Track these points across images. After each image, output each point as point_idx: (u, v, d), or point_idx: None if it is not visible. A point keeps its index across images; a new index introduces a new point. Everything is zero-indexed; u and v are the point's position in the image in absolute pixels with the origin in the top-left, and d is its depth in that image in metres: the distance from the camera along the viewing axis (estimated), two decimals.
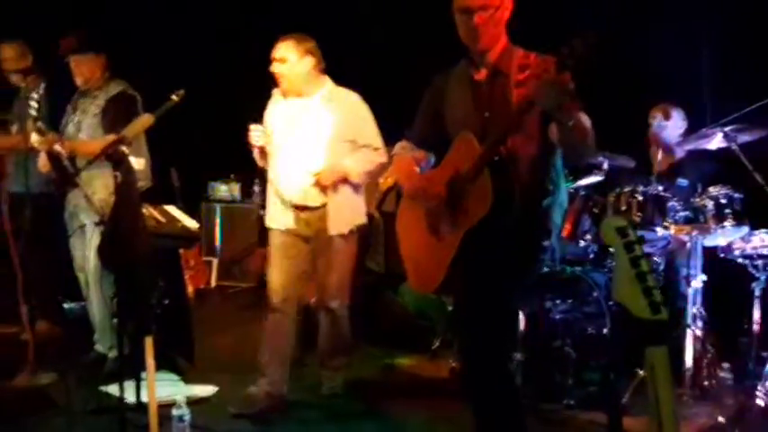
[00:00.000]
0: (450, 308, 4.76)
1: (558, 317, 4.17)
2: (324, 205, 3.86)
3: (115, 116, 4.26)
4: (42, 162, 4.21)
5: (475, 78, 2.83)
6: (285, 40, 3.84)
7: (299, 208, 3.89)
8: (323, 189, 3.83)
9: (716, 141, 4.10)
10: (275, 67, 3.84)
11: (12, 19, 5.47)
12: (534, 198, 2.74)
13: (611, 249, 4.30)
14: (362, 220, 4.04)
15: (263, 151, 3.93)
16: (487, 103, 2.76)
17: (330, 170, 3.81)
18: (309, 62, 3.84)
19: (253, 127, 3.86)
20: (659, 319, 1.70)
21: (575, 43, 2.38)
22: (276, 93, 3.97)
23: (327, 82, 3.94)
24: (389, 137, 3.86)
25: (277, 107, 3.97)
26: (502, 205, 2.61)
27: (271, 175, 3.97)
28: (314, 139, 3.85)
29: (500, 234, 2.66)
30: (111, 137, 4.11)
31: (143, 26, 6.50)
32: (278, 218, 3.95)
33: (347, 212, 3.92)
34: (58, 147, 4.00)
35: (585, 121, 2.62)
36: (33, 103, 4.03)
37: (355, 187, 3.94)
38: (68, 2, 5.97)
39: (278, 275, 3.94)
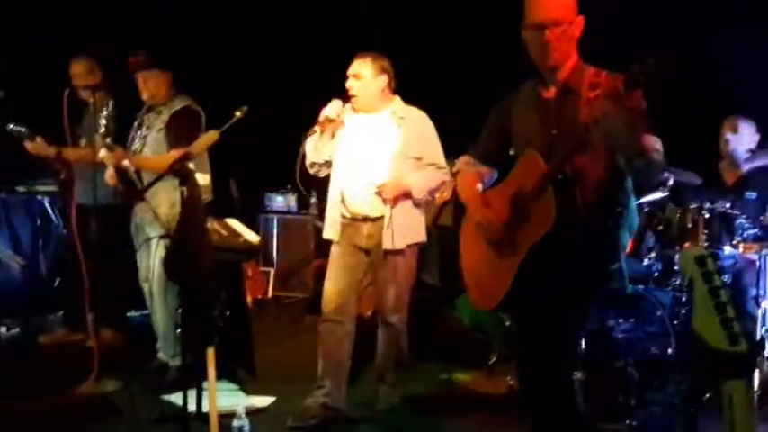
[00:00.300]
0: (507, 323, 4.72)
1: (620, 336, 4.08)
2: (383, 217, 3.86)
3: (179, 130, 4.35)
4: (110, 174, 4.30)
5: (543, 96, 2.79)
6: (361, 57, 3.89)
7: (361, 219, 3.91)
8: (384, 201, 3.84)
9: None
10: (350, 84, 3.88)
11: (83, 36, 5.62)
12: (601, 219, 2.69)
13: (675, 267, 4.23)
14: (422, 238, 4.02)
15: (323, 127, 3.88)
16: (555, 121, 2.71)
17: (394, 183, 3.82)
18: (384, 80, 3.88)
19: (333, 101, 3.88)
20: (739, 350, 1.65)
21: (647, 61, 2.33)
22: (345, 110, 3.96)
23: (397, 100, 3.97)
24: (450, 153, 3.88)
25: (347, 121, 3.97)
26: (565, 224, 2.57)
27: (334, 187, 3.97)
28: (381, 152, 3.88)
29: (565, 255, 2.61)
30: (175, 152, 4.21)
31: (203, 44, 6.61)
32: (335, 230, 3.96)
33: (406, 229, 3.91)
34: (126, 162, 4.09)
35: (655, 144, 2.55)
36: (102, 120, 4.15)
37: (417, 204, 3.94)
38: (134, 22, 6.10)
39: (332, 284, 3.95)
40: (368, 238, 3.92)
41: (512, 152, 2.95)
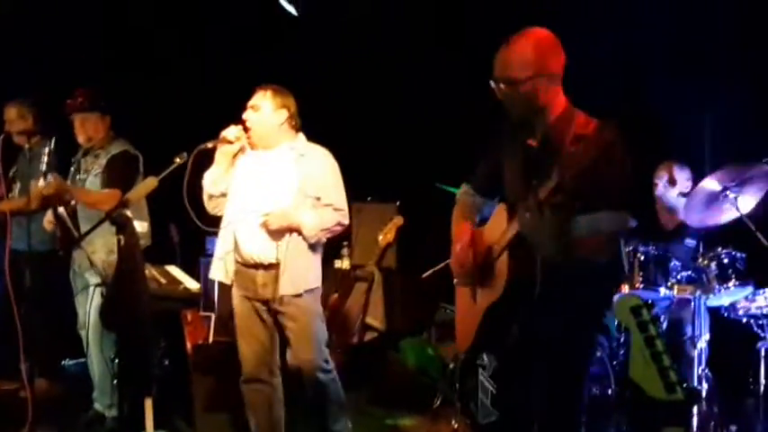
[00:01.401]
0: (451, 366, 4.72)
1: None
2: (278, 264, 3.62)
3: (116, 174, 4.31)
4: (48, 219, 4.22)
5: (528, 142, 2.69)
6: (262, 89, 3.70)
7: (253, 266, 3.67)
8: (273, 235, 3.59)
9: (727, 214, 4.04)
10: (246, 115, 3.68)
11: (19, 79, 5.52)
12: (569, 281, 2.54)
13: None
14: (316, 283, 3.74)
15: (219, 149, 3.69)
16: (537, 173, 2.53)
17: (281, 215, 3.58)
18: (282, 115, 3.67)
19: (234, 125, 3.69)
20: (675, 399, 1.67)
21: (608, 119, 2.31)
22: (244, 139, 3.73)
23: (299, 137, 3.76)
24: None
25: (242, 161, 3.77)
26: (523, 289, 2.55)
27: (225, 226, 3.74)
28: (276, 190, 3.65)
29: (526, 312, 2.61)
30: (111, 191, 4.17)
31: (143, 89, 6.55)
32: (222, 271, 3.76)
33: (300, 273, 3.64)
34: (61, 210, 4.01)
35: (608, 224, 2.46)
36: (44, 157, 4.08)
37: (312, 247, 3.68)
38: (73, 64, 6.02)
39: (245, 345, 3.75)
40: (263, 287, 3.67)
41: None
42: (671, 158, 4.58)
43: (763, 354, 3.99)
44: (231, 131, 3.69)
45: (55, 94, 4.63)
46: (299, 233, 3.62)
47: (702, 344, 3.98)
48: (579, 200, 2.38)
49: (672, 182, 4.49)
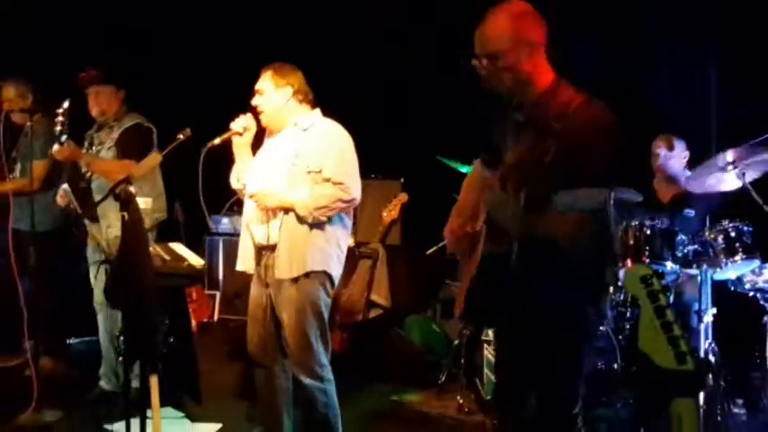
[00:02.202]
0: (456, 342, 4.73)
1: None
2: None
3: (129, 146, 4.32)
4: (60, 194, 4.24)
5: (518, 119, 2.65)
6: (264, 71, 3.59)
7: (261, 248, 3.57)
8: (266, 216, 3.49)
9: (729, 182, 4.02)
10: (255, 100, 3.60)
11: (23, 56, 5.50)
12: (552, 252, 2.49)
13: (618, 284, 4.29)
14: (323, 267, 3.47)
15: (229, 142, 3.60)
16: (519, 149, 2.56)
17: (267, 193, 3.45)
18: (287, 92, 3.54)
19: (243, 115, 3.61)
20: (686, 369, 1.66)
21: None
22: (253, 127, 3.65)
23: (311, 113, 3.61)
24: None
25: (260, 151, 3.72)
26: (497, 260, 2.55)
27: (244, 220, 3.70)
28: (271, 170, 3.54)
29: (517, 285, 2.54)
30: (124, 161, 4.16)
31: (150, 65, 6.53)
32: (243, 260, 3.68)
33: (297, 255, 3.43)
34: (65, 186, 4.01)
35: (582, 198, 2.39)
36: (59, 117, 4.07)
37: (315, 228, 3.46)
38: (82, 39, 6.00)
39: (251, 328, 3.64)
40: (265, 268, 3.55)
41: None
42: (667, 132, 4.56)
43: None
44: (239, 123, 3.59)
45: (60, 72, 4.60)
46: (296, 214, 3.45)
47: (709, 318, 3.97)
48: (558, 176, 2.35)
49: (671, 148, 4.47)
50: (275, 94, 3.56)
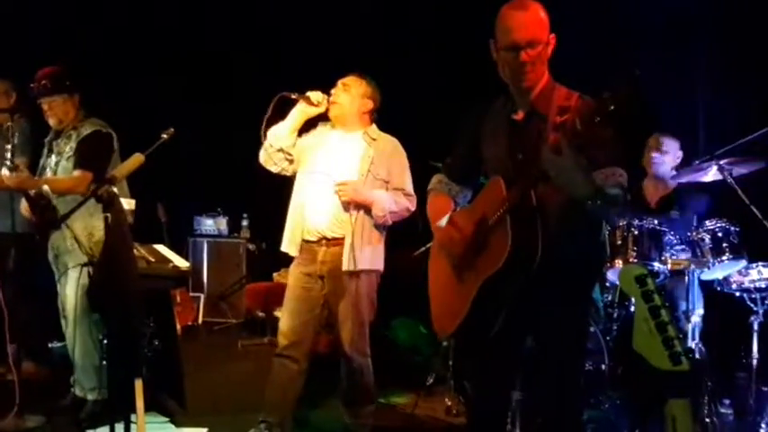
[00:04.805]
0: (444, 344, 4.71)
1: None
2: (343, 240, 3.73)
3: (87, 155, 4.19)
4: (24, 207, 4.15)
5: (513, 117, 2.69)
6: (360, 75, 3.87)
7: (318, 241, 3.77)
8: (344, 206, 3.71)
9: (711, 174, 4.07)
10: (337, 91, 3.82)
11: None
12: (567, 252, 2.55)
13: (606, 284, 4.28)
14: (380, 266, 3.86)
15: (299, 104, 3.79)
16: (521, 146, 2.60)
17: (354, 188, 3.70)
18: (369, 105, 3.85)
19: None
20: (681, 370, 1.64)
21: (619, 89, 2.19)
22: (322, 125, 3.92)
23: (373, 126, 3.92)
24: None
25: (318, 136, 3.90)
26: (522, 258, 2.48)
27: (295, 200, 3.85)
28: (348, 170, 3.77)
29: (527, 287, 2.55)
30: (80, 174, 4.08)
31: (131, 65, 6.48)
32: (292, 245, 3.83)
33: (366, 251, 3.75)
34: (46, 187, 3.93)
35: (618, 177, 2.48)
36: (10, 143, 3.98)
37: (378, 228, 3.81)
38: (47, 39, 5.93)
39: (287, 319, 3.81)
40: (322, 264, 3.77)
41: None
42: (660, 131, 4.55)
43: (755, 328, 4.00)
44: (316, 94, 3.79)
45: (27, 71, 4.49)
46: (368, 212, 3.73)
47: (696, 318, 3.97)
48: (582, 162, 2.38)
49: (661, 150, 4.46)
50: (360, 99, 3.84)
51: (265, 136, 3.81)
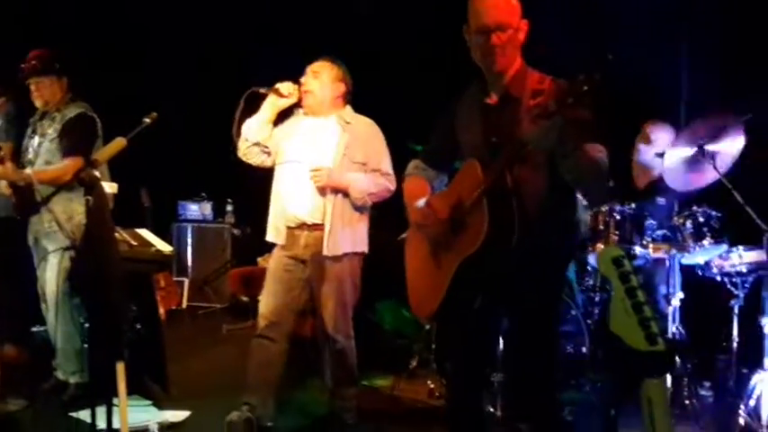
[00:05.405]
0: (427, 327, 4.73)
1: None
2: (323, 225, 3.72)
3: (73, 139, 4.17)
4: (4, 185, 4.12)
5: (486, 102, 2.73)
6: (327, 59, 3.83)
7: (299, 227, 3.77)
8: (321, 192, 3.69)
9: (709, 176, 3.99)
10: (306, 80, 3.79)
11: None
12: (543, 231, 2.59)
13: (588, 268, 4.31)
14: (364, 247, 3.86)
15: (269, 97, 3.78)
16: (496, 129, 2.64)
17: (329, 173, 3.69)
18: (341, 88, 3.82)
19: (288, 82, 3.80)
20: (656, 350, 1.66)
21: (593, 74, 2.26)
22: (297, 112, 3.88)
23: (348, 109, 3.89)
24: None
25: (292, 125, 3.88)
26: (499, 239, 2.52)
27: (275, 189, 3.86)
28: (324, 156, 3.75)
29: (504, 268, 2.59)
30: (69, 161, 4.05)
31: (115, 50, 6.43)
32: (277, 233, 3.84)
33: (346, 234, 3.75)
34: (28, 171, 3.90)
35: (597, 152, 2.49)
36: None
37: (359, 210, 3.79)
38: (32, 24, 5.88)
39: (268, 300, 3.82)
40: (304, 247, 3.77)
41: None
42: (653, 117, 4.54)
43: (735, 311, 4.02)
44: (286, 85, 3.78)
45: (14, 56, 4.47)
46: (346, 195, 3.72)
47: (676, 302, 4.01)
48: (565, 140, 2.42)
49: (647, 140, 4.46)
50: (331, 84, 3.79)
51: (238, 133, 3.81)
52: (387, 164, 3.83)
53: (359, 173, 3.76)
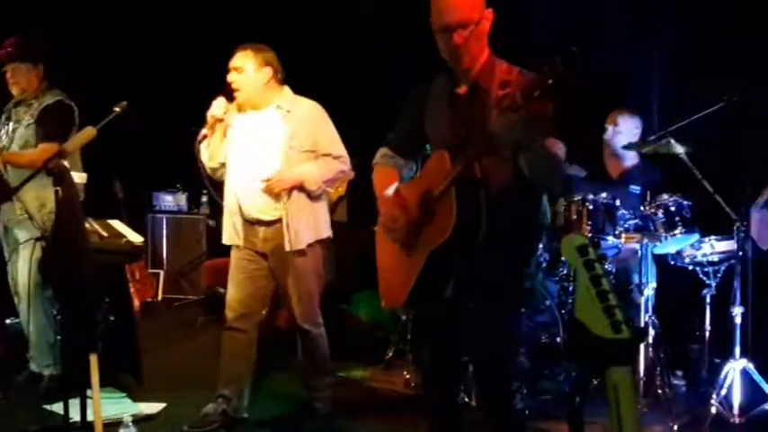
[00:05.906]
0: (404, 318, 4.74)
1: None
2: (281, 219, 3.68)
3: (50, 125, 4.15)
4: None
5: (455, 92, 2.74)
6: (243, 50, 3.69)
7: (256, 222, 3.73)
8: (276, 197, 3.65)
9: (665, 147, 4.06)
10: (231, 77, 3.68)
11: None
12: (509, 221, 2.62)
13: (562, 258, 4.33)
14: (325, 234, 3.83)
15: (213, 128, 3.73)
16: (464, 121, 2.65)
17: (281, 176, 3.63)
18: (267, 72, 3.68)
19: (217, 99, 3.72)
20: (621, 338, 1.67)
21: (555, 61, 2.29)
22: (232, 107, 3.76)
23: (285, 92, 3.77)
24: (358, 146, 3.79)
25: (236, 127, 3.77)
26: (467, 228, 2.54)
27: (227, 189, 3.80)
28: (269, 151, 3.68)
29: (470, 259, 2.61)
30: (45, 146, 4.02)
31: (83, 35, 6.35)
32: (234, 235, 3.79)
33: (306, 226, 3.71)
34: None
35: (555, 147, 2.54)
36: None
37: (315, 198, 3.74)
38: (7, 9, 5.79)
39: (234, 291, 3.80)
40: (264, 241, 3.73)
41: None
42: (622, 107, 4.57)
43: (708, 300, 4.05)
44: (218, 108, 3.70)
45: None
46: (301, 189, 3.66)
47: (649, 291, 4.02)
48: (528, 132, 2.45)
49: (616, 125, 4.49)
50: (256, 73, 3.67)
51: (201, 164, 3.80)
52: (335, 146, 3.73)
53: (309, 162, 3.68)
